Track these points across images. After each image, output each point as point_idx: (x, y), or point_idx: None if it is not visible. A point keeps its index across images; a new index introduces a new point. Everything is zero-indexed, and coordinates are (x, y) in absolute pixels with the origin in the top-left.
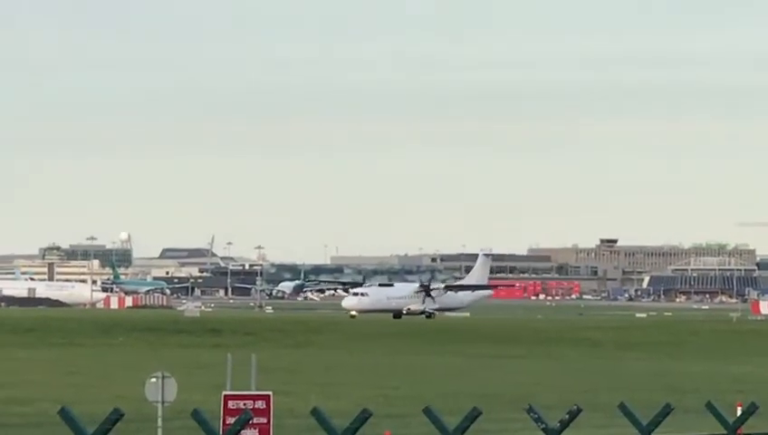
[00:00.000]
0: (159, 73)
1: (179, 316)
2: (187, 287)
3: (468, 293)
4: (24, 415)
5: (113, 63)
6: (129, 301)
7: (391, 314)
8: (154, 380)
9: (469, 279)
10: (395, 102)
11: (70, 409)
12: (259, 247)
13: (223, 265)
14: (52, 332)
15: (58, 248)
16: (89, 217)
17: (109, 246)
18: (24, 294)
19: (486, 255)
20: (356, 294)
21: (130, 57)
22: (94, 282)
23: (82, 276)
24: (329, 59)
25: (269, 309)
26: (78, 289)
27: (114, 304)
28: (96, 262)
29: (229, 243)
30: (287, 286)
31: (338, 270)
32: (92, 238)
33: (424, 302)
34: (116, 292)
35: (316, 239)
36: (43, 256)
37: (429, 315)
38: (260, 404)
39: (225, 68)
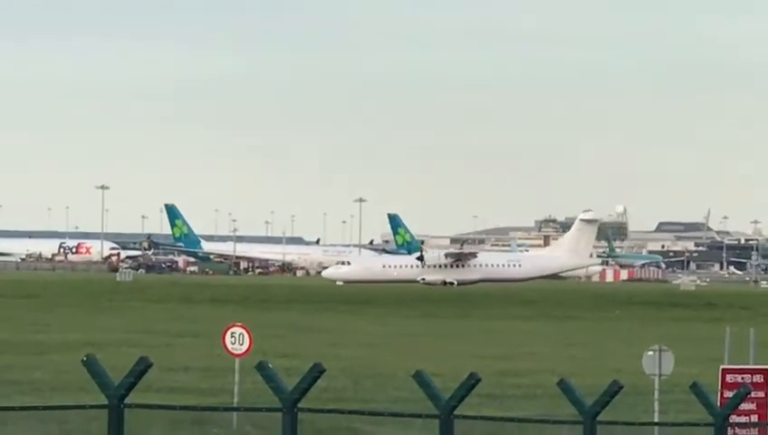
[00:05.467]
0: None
1: (675, 290)
2: (683, 261)
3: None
4: (520, 386)
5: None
6: (624, 274)
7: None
8: (651, 353)
9: (560, 247)
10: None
11: (568, 379)
12: (755, 222)
13: (718, 239)
14: (551, 304)
15: (554, 221)
16: (586, 190)
17: (604, 219)
18: None
19: (586, 220)
20: (338, 263)
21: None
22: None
23: None
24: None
25: (764, 284)
26: None
27: (609, 277)
28: None
29: (725, 217)
30: None
31: None
32: (588, 211)
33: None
34: (611, 265)
35: None
36: (540, 228)
37: (449, 284)
38: (758, 378)
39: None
